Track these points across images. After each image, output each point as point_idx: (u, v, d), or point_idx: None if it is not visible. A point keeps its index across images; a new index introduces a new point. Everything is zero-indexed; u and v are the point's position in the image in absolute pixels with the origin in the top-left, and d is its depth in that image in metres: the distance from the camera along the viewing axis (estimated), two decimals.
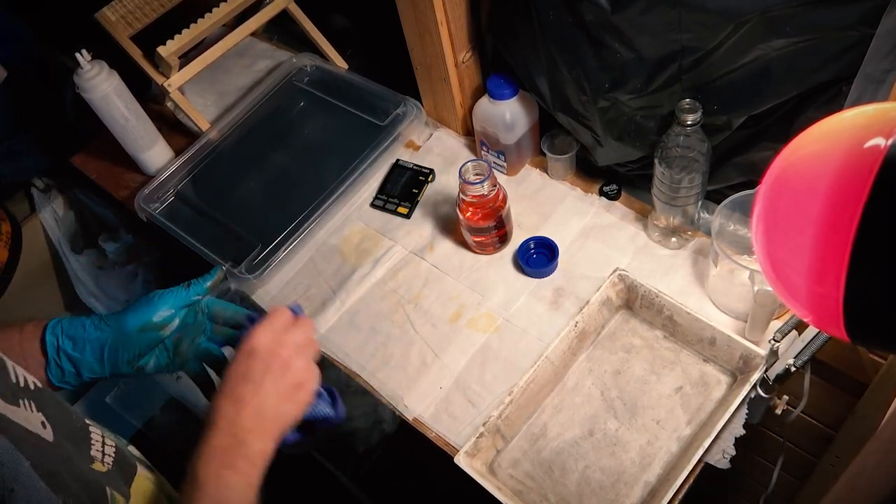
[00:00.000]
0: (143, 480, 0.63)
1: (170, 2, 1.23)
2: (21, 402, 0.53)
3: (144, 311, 0.72)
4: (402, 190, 1.16)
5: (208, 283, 0.76)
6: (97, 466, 0.58)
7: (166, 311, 0.73)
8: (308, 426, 0.69)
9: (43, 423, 0.53)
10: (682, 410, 0.90)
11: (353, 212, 1.16)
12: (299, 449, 0.70)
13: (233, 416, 0.61)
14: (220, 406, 0.62)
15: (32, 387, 0.55)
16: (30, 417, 0.52)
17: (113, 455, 0.60)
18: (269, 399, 0.63)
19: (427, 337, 1.01)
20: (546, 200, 1.11)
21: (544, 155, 1.10)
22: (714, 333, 0.89)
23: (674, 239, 1.01)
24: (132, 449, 0.68)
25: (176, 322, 0.74)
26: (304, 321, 0.69)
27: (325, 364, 0.78)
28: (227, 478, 0.59)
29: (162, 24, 1.23)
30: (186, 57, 1.23)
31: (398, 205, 1.14)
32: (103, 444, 0.60)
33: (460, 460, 0.86)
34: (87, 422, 0.61)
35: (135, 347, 0.71)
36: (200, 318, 0.76)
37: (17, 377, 0.55)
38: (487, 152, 1.13)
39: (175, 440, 1.62)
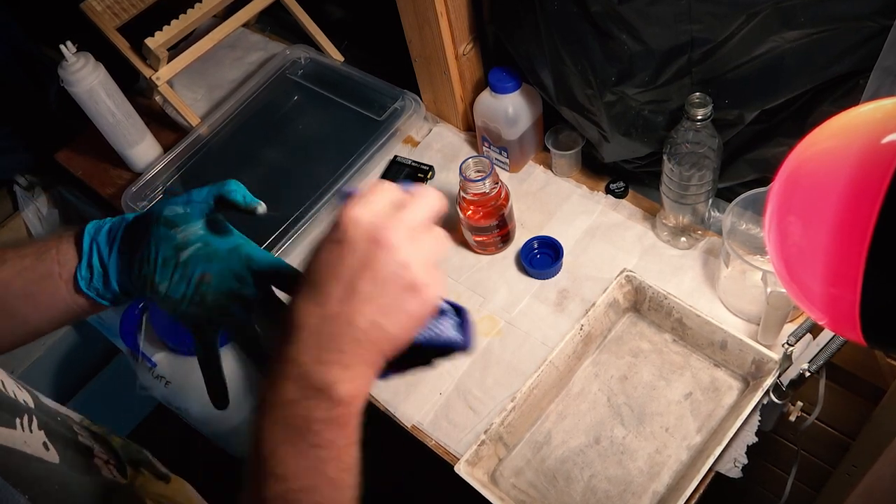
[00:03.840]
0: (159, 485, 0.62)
1: None
2: (18, 421, 0.49)
3: (164, 203, 0.60)
4: None
5: (241, 197, 0.62)
6: (118, 479, 0.56)
7: (180, 207, 0.60)
8: (422, 355, 0.52)
9: (45, 445, 0.50)
10: (691, 417, 0.90)
11: None
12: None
13: (312, 335, 0.45)
14: (294, 321, 0.46)
15: (25, 405, 0.52)
16: (29, 439, 0.49)
17: (120, 464, 0.60)
18: (365, 308, 0.45)
19: None
20: (550, 198, 1.11)
21: (548, 151, 1.10)
22: (725, 337, 0.89)
23: (683, 238, 1.01)
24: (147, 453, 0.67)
25: (196, 230, 0.59)
26: (423, 193, 0.48)
27: None
28: (306, 456, 0.45)
29: (150, 15, 1.23)
30: (175, 49, 1.23)
31: None
32: (114, 453, 0.59)
33: (461, 469, 0.86)
34: (93, 430, 0.60)
35: (146, 245, 0.59)
36: (237, 265, 0.60)
37: (11, 392, 0.51)
38: (489, 148, 1.13)
39: (164, 452, 1.62)
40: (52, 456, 0.50)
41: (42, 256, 0.60)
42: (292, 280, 0.59)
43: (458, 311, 0.53)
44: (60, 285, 0.60)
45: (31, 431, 0.49)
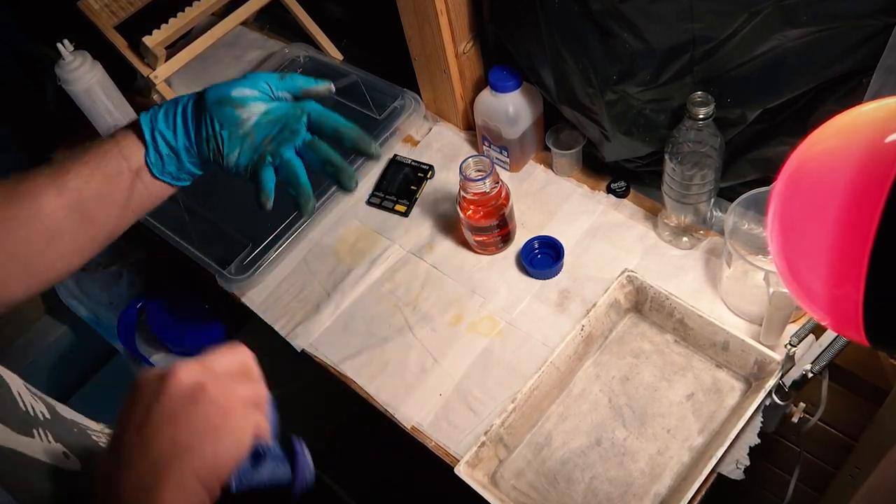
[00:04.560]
0: None
1: None
2: (35, 432, 0.49)
3: (226, 85, 0.65)
4: (400, 187, 1.16)
5: (310, 86, 0.69)
6: None
7: (248, 90, 0.65)
8: (264, 500, 0.50)
9: (65, 454, 0.50)
10: (693, 418, 0.90)
11: (348, 210, 1.16)
12: None
13: (112, 478, 0.43)
14: (98, 477, 0.44)
15: (41, 417, 0.52)
16: (48, 449, 0.49)
17: None
18: (161, 431, 0.43)
19: (426, 341, 1.00)
20: (551, 198, 1.11)
21: (549, 150, 1.10)
22: (727, 337, 0.89)
23: (685, 238, 1.01)
24: None
25: (261, 107, 0.65)
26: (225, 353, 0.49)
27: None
28: None
29: (148, 13, 1.23)
30: (173, 47, 1.23)
31: (396, 202, 1.14)
32: None
33: (461, 471, 0.86)
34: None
35: (213, 121, 0.64)
36: (298, 126, 0.66)
37: (25, 405, 0.51)
38: (489, 147, 1.13)
39: None
40: (74, 464, 0.50)
41: (105, 157, 0.63)
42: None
43: (288, 448, 0.52)
44: (132, 178, 0.63)
45: (49, 443, 0.49)
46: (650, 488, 0.87)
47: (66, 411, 0.58)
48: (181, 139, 0.65)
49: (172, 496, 0.42)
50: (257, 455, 0.49)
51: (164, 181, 0.66)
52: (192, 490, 0.43)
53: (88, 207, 0.62)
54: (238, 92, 0.64)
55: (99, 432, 0.60)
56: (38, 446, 0.49)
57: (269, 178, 0.66)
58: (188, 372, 0.45)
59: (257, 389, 0.48)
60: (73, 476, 0.50)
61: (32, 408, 0.52)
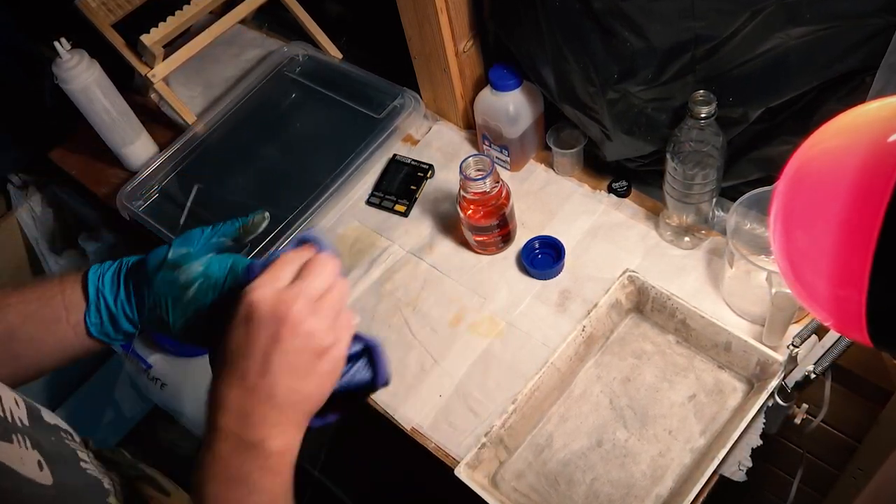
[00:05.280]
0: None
1: None
2: (14, 437, 0.49)
3: (162, 249, 0.64)
4: (400, 186, 1.16)
5: (238, 226, 0.67)
6: (112, 501, 0.56)
7: (184, 248, 0.63)
8: (343, 399, 0.58)
9: (39, 464, 0.49)
10: (695, 420, 0.90)
11: (347, 210, 1.16)
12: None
13: (237, 407, 0.52)
14: (219, 396, 0.52)
15: (20, 423, 0.52)
16: (25, 457, 0.48)
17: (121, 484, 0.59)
18: (281, 378, 0.52)
19: (426, 342, 1.01)
20: (551, 198, 1.11)
21: (550, 149, 1.10)
22: (729, 338, 0.90)
23: (687, 238, 1.01)
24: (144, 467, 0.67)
25: (198, 267, 0.62)
26: (319, 262, 0.55)
27: None
28: (245, 499, 0.51)
29: (145, 12, 1.23)
30: (171, 46, 1.23)
31: (395, 202, 1.14)
32: (115, 470, 0.59)
33: (461, 472, 0.86)
34: (92, 448, 0.60)
35: (154, 290, 0.62)
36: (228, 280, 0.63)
37: (3, 411, 0.50)
38: (490, 147, 1.13)
39: (160, 456, 1.62)
40: (46, 477, 0.49)
41: (48, 302, 0.62)
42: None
43: (369, 351, 0.59)
44: (68, 330, 0.63)
45: (26, 449, 0.49)
46: (651, 490, 0.87)
47: (49, 416, 0.57)
48: (123, 306, 0.64)
49: (294, 433, 0.53)
50: (348, 358, 0.57)
51: (99, 339, 0.65)
52: (305, 422, 0.54)
53: (17, 347, 0.61)
54: (174, 253, 0.63)
55: (79, 442, 0.59)
56: (16, 453, 0.48)
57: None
58: (298, 315, 0.51)
59: (341, 294, 0.55)
60: (43, 494, 0.49)
61: (11, 413, 0.51)
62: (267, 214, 0.68)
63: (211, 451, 0.52)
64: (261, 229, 0.68)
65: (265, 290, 0.52)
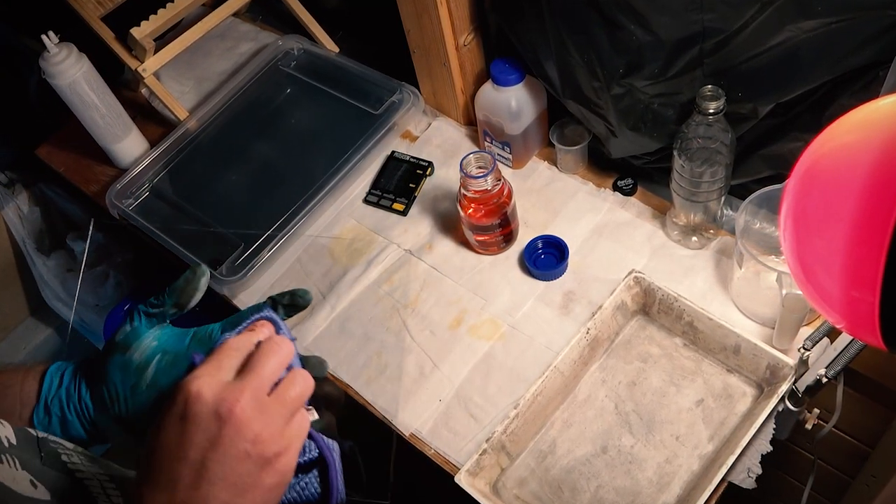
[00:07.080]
0: None
1: None
2: (4, 457, 0.47)
3: (107, 339, 0.60)
4: (398, 184, 1.16)
5: (186, 286, 0.59)
6: None
7: (128, 326, 0.59)
8: None
9: (32, 483, 0.48)
10: (703, 425, 0.90)
11: (344, 208, 1.16)
12: None
13: None
14: (144, 501, 0.46)
15: (6, 443, 0.50)
16: (17, 476, 0.47)
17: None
18: (217, 491, 0.45)
19: (425, 345, 1.01)
20: (555, 196, 1.11)
21: (553, 146, 1.10)
22: (738, 341, 0.90)
23: (694, 238, 1.01)
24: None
25: (151, 343, 0.58)
26: (272, 348, 0.50)
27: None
28: None
29: (135, 4, 1.23)
30: (162, 39, 1.23)
31: (394, 201, 1.14)
32: (113, 480, 0.59)
33: (461, 480, 0.86)
34: (89, 456, 0.59)
35: (110, 383, 0.58)
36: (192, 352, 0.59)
37: None
38: (491, 143, 1.13)
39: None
40: (43, 493, 0.48)
41: (4, 391, 0.59)
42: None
43: (322, 463, 0.53)
44: (21, 424, 0.58)
45: (16, 469, 0.47)
46: (658, 498, 0.87)
47: (35, 433, 0.57)
48: (77, 409, 0.59)
49: None
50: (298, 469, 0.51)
51: (38, 431, 0.59)
52: None
53: None
54: (119, 334, 0.58)
55: (71, 451, 0.59)
56: (8, 473, 0.47)
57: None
58: (243, 415, 0.46)
59: (297, 391, 0.49)
60: None
61: None
62: (204, 268, 0.60)
63: None
64: (200, 286, 0.59)
65: (206, 382, 0.47)
